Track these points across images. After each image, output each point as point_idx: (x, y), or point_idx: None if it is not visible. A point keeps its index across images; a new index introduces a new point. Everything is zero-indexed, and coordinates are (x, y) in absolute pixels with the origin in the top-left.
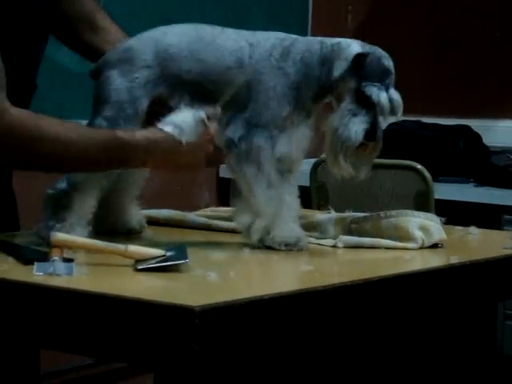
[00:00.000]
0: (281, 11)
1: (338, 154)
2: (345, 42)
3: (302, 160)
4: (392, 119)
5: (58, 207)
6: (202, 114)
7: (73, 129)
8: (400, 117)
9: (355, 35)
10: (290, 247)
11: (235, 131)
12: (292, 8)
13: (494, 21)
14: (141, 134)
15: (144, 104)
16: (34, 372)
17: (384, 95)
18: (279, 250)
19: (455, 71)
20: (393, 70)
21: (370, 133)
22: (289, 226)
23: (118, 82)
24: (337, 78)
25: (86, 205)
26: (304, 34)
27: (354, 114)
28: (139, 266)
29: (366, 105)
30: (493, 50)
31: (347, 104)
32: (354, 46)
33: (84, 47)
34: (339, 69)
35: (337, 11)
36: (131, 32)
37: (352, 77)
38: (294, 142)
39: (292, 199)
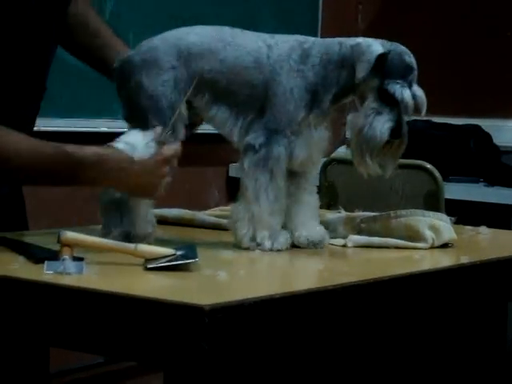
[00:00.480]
0: (291, 11)
1: (365, 153)
2: (365, 42)
3: (320, 161)
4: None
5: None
6: (151, 134)
7: (21, 140)
8: (411, 116)
9: (365, 34)
10: (316, 245)
11: (256, 138)
12: (302, 8)
13: (505, 21)
14: (90, 150)
15: (179, 104)
16: (43, 370)
17: (407, 92)
18: (292, 249)
19: (466, 71)
20: (415, 66)
21: (395, 130)
22: (311, 225)
23: (151, 88)
24: (360, 80)
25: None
26: (314, 33)
27: (378, 113)
28: (149, 265)
29: (390, 102)
30: (504, 50)
31: (370, 103)
32: (375, 46)
33: (77, 49)
34: (362, 71)
35: (347, 11)
36: (142, 33)
37: (374, 76)
38: (312, 144)
39: (312, 198)
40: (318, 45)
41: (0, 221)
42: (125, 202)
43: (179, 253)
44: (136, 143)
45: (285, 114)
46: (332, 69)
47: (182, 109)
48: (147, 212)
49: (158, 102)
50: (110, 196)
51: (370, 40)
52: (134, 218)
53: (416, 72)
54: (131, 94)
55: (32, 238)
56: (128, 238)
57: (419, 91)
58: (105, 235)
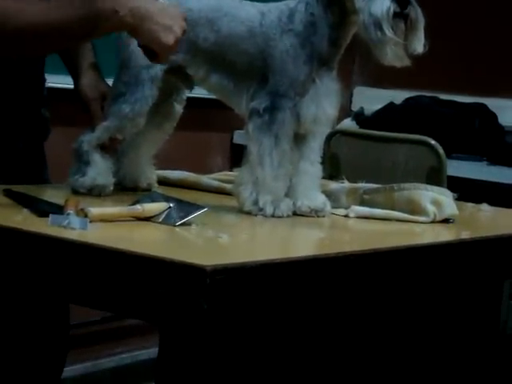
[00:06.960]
0: None
1: (375, 38)
2: None
3: (334, 116)
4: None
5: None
6: None
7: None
8: (417, 92)
9: None
10: (318, 213)
11: (261, 103)
12: None
13: None
14: None
15: (159, 69)
16: (43, 322)
17: None
18: (293, 216)
19: (474, 49)
20: None
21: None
22: (313, 193)
23: (136, 43)
24: None
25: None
26: None
27: None
28: (179, 221)
29: None
30: None
31: None
32: None
33: None
34: None
35: None
36: None
37: None
38: (322, 100)
39: (314, 169)
40: (300, 1)
41: (18, 175)
42: (87, 153)
43: (171, 204)
44: None
45: (286, 75)
46: (317, 14)
47: (160, 72)
48: (107, 164)
49: (137, 59)
50: (76, 145)
51: None
52: (95, 168)
53: None
54: (121, 49)
55: (40, 191)
56: (91, 188)
57: None
58: (71, 184)
